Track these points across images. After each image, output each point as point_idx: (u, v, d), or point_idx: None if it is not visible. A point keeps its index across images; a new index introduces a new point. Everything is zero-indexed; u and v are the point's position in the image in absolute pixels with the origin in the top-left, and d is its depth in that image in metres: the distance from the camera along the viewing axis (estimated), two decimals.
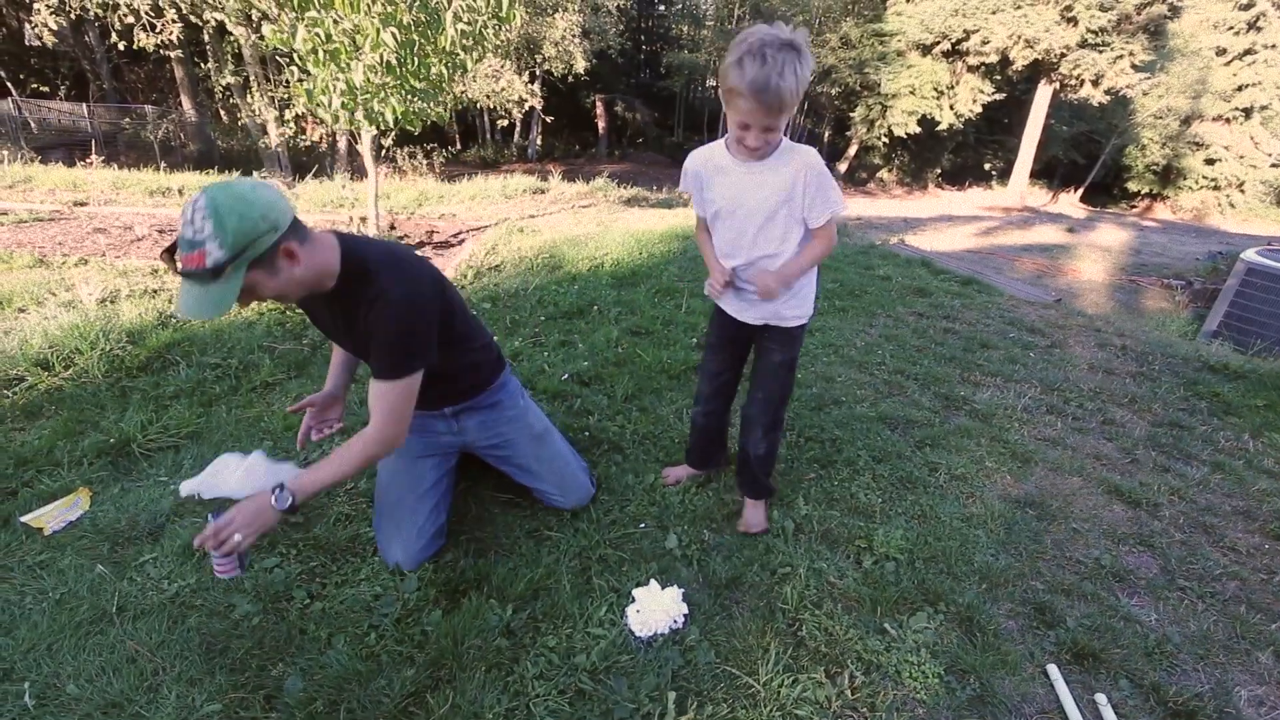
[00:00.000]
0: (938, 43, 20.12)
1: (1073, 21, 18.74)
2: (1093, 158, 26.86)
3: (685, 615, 1.58)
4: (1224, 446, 2.70)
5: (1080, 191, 26.98)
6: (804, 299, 1.75)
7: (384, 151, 11.67)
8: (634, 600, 1.60)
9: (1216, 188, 25.92)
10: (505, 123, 17.25)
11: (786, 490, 2.13)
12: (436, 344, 1.50)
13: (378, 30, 3.42)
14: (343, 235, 1.45)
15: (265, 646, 1.47)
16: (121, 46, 10.40)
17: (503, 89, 13.16)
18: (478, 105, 14.02)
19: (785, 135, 1.54)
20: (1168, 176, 26.66)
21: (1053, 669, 1.53)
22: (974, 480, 2.29)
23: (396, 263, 1.46)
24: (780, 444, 1.96)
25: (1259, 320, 5.37)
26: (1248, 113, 25.01)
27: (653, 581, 1.64)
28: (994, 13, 18.96)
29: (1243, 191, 25.46)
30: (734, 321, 1.82)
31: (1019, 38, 18.85)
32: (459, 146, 21.53)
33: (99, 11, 9.69)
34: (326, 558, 1.73)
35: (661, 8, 29.17)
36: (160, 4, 9.42)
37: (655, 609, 1.56)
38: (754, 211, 1.60)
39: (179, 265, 1.25)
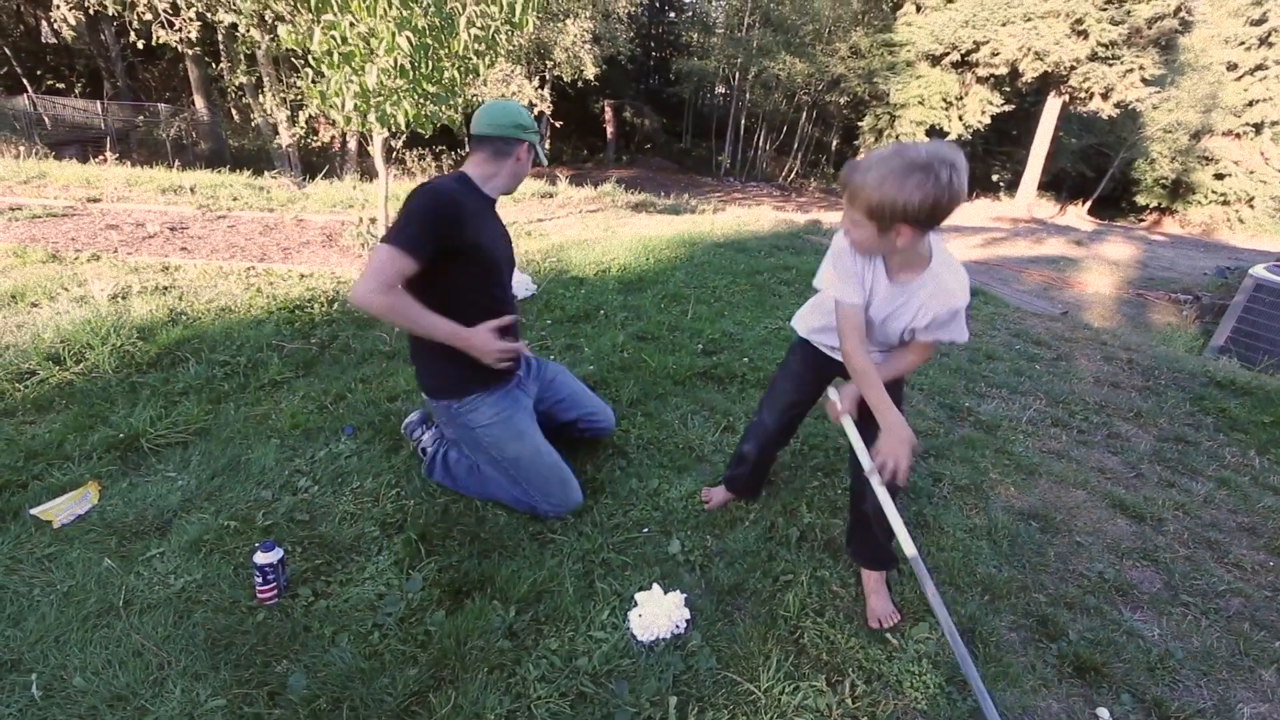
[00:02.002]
0: (947, 54, 20.16)
1: (1083, 35, 18.75)
2: (1101, 171, 26.82)
3: (687, 620, 1.59)
4: (1230, 462, 2.69)
5: (1088, 204, 26.93)
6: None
7: (394, 154, 11.73)
8: (636, 604, 1.61)
9: (1226, 202, 25.85)
10: None
11: (790, 498, 2.13)
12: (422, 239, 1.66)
13: (393, 34, 3.45)
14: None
15: (270, 643, 1.48)
16: (140, 45, 10.50)
17: (513, 93, 13.23)
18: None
19: (926, 250, 1.41)
20: (1177, 191, 26.59)
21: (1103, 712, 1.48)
22: (978, 491, 2.29)
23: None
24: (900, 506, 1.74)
25: (1267, 336, 5.35)
26: (1258, 128, 24.95)
27: (655, 586, 1.65)
28: (1004, 25, 19.00)
29: (1252, 207, 25.37)
30: (828, 359, 1.71)
31: (1029, 50, 18.88)
32: (468, 150, 21.64)
33: (118, 8, 9.80)
34: (331, 555, 1.74)
35: (672, 15, 29.30)
36: (178, 1, 9.52)
37: (657, 613, 1.56)
38: (894, 328, 1.51)
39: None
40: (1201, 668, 1.63)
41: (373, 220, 4.85)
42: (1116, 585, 1.88)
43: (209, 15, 10.04)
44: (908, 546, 1.41)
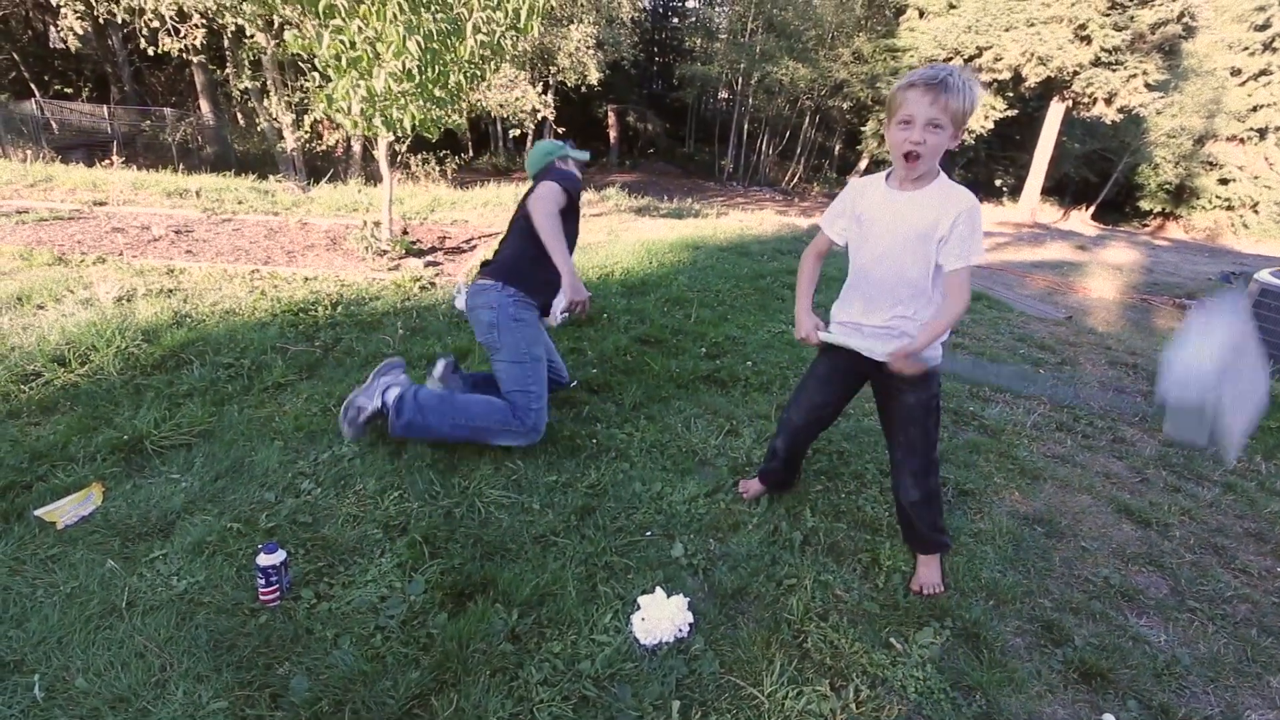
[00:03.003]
0: (950, 59, 20.16)
1: (1086, 40, 18.75)
2: (1105, 175, 26.80)
3: (690, 624, 1.58)
4: (1236, 468, 2.68)
5: (1092, 209, 26.90)
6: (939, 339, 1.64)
7: (398, 158, 11.79)
8: (639, 608, 1.60)
9: (1230, 207, 25.79)
10: (518, 132, 17.41)
11: (793, 502, 2.13)
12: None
13: (402, 39, 3.47)
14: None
15: (272, 645, 1.48)
16: (150, 52, 10.58)
17: (517, 98, 13.28)
18: (491, 114, 14.16)
19: (938, 169, 1.55)
20: (1181, 195, 26.55)
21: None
22: (982, 496, 2.28)
23: None
24: (939, 490, 1.78)
25: (1273, 342, 5.32)
26: (1262, 133, 24.91)
27: (658, 589, 1.64)
28: (1007, 30, 19.01)
29: (1257, 212, 25.30)
30: (850, 354, 1.72)
31: (1032, 55, 18.89)
32: (472, 154, 21.73)
33: (125, 16, 9.89)
34: (333, 557, 1.74)
35: (675, 20, 29.40)
36: (184, 9, 9.60)
37: (661, 617, 1.56)
38: (902, 236, 1.57)
39: None
40: (1209, 674, 1.61)
41: (376, 224, 4.87)
42: (1122, 590, 1.87)
43: (215, 21, 10.11)
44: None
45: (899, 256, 1.59)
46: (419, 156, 14.58)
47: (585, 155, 2.46)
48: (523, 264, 2.27)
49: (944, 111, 1.42)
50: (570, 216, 2.27)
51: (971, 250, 1.52)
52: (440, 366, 2.48)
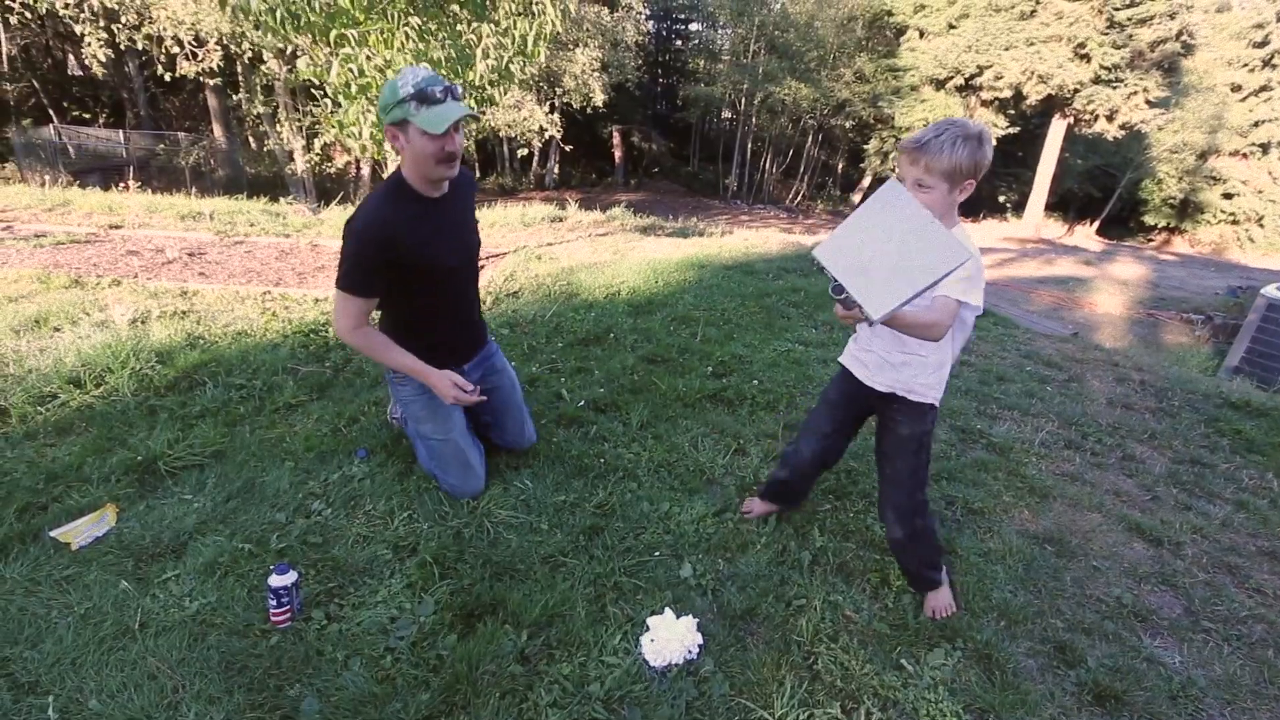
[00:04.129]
0: (951, 78, 20.40)
1: (1086, 58, 18.94)
2: (1108, 191, 26.86)
3: (700, 645, 1.58)
4: (1247, 485, 2.65)
5: (1096, 224, 26.92)
6: (938, 376, 1.66)
7: None
8: (648, 629, 1.60)
9: (1235, 222, 25.78)
10: (525, 152, 17.64)
11: (802, 521, 2.12)
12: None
13: (411, 65, 3.55)
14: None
15: (283, 666, 1.48)
16: (166, 78, 10.84)
17: (524, 119, 13.49)
18: (498, 134, 14.36)
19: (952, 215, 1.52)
20: (1185, 210, 26.56)
21: None
22: (991, 514, 2.27)
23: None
24: (930, 532, 1.75)
25: None
26: (1265, 148, 24.98)
27: (667, 610, 1.64)
28: (1007, 49, 19.23)
29: (1262, 226, 25.28)
30: (859, 384, 1.74)
31: (1032, 73, 19.07)
32: (478, 174, 22.01)
33: (146, 43, 10.16)
34: (344, 578, 1.75)
35: (679, 43, 29.87)
36: (201, 35, 9.86)
37: (670, 638, 1.56)
38: None
39: (445, 86, 1.69)
40: (1225, 696, 1.59)
41: None
42: (1135, 611, 1.85)
43: (230, 47, 10.36)
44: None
45: None
46: None
47: (437, 129, 1.66)
48: (384, 328, 2.05)
49: (927, 172, 1.46)
50: (404, 280, 1.85)
51: (965, 289, 1.46)
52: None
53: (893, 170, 24.21)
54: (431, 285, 1.93)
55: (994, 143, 1.50)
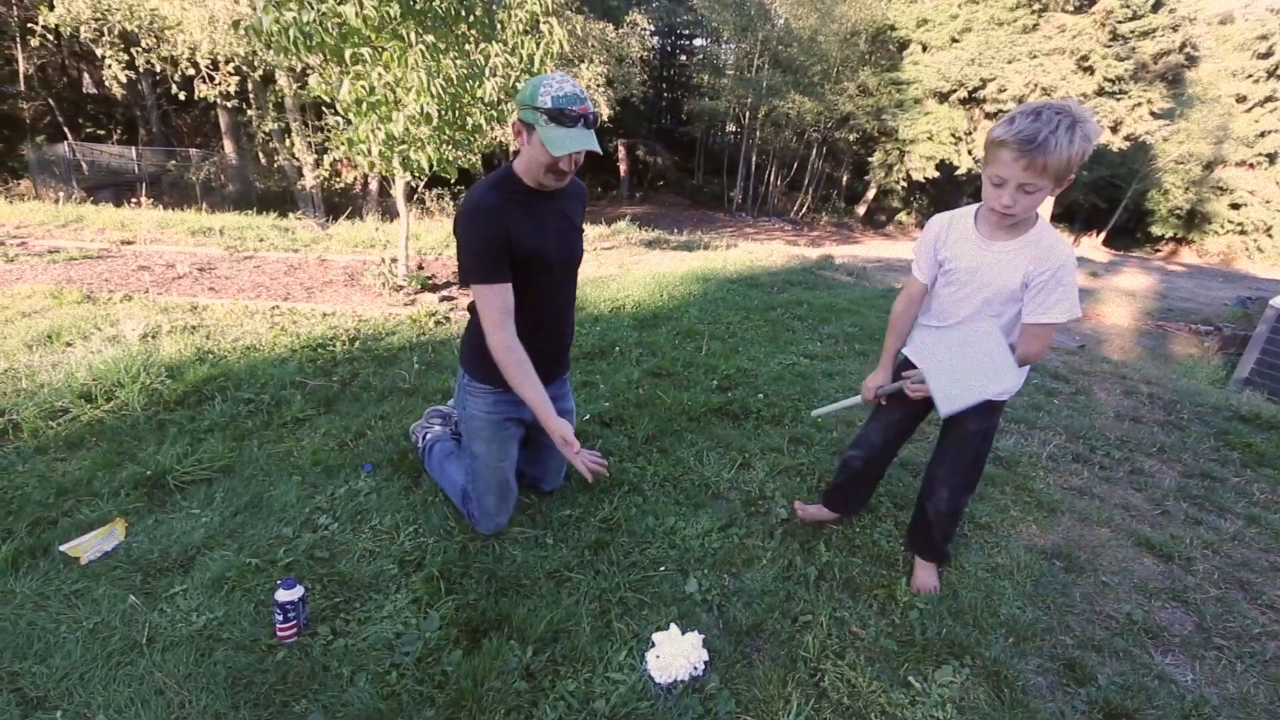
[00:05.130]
0: (954, 90, 20.50)
1: (1089, 71, 19.00)
2: (1114, 202, 26.83)
3: (706, 662, 1.57)
4: (1258, 499, 2.63)
5: (1103, 235, 26.86)
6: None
7: (414, 194, 12.10)
8: (654, 645, 1.60)
9: (1243, 232, 25.68)
10: None
11: (807, 535, 2.12)
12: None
13: (424, 84, 3.61)
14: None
15: (289, 682, 1.49)
16: (182, 96, 11.03)
17: None
18: (505, 149, 14.49)
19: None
20: (1192, 221, 26.50)
21: None
22: (999, 529, 2.25)
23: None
24: (964, 508, 1.86)
25: None
26: (1272, 158, 24.93)
27: (673, 626, 1.64)
28: (1010, 62, 19.32)
29: (1270, 236, 25.18)
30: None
31: (1035, 86, 19.14)
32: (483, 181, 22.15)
33: (164, 65, 10.36)
34: (350, 593, 1.76)
35: (683, 58, 30.18)
36: (217, 59, 10.04)
37: (675, 655, 1.55)
38: (988, 292, 1.53)
39: (581, 111, 1.61)
40: (1238, 715, 1.57)
41: (393, 260, 4.98)
42: (1146, 627, 1.83)
43: (246, 69, 10.54)
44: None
45: (984, 307, 1.57)
46: (434, 192, 14.92)
47: (558, 150, 1.62)
48: (472, 334, 1.93)
49: (1040, 174, 1.32)
50: (531, 291, 1.78)
51: (1055, 306, 1.45)
52: (423, 429, 2.42)
53: (898, 183, 24.07)
54: (535, 281, 1.81)
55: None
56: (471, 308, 1.84)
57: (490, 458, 1.93)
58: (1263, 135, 24.77)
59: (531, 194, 1.77)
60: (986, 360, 1.48)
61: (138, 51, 10.49)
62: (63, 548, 1.86)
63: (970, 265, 1.55)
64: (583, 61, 15.20)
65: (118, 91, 11.68)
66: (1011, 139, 1.31)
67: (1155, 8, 18.51)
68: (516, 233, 1.72)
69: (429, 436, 2.33)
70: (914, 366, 1.70)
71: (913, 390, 1.65)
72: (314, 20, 3.47)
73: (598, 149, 1.66)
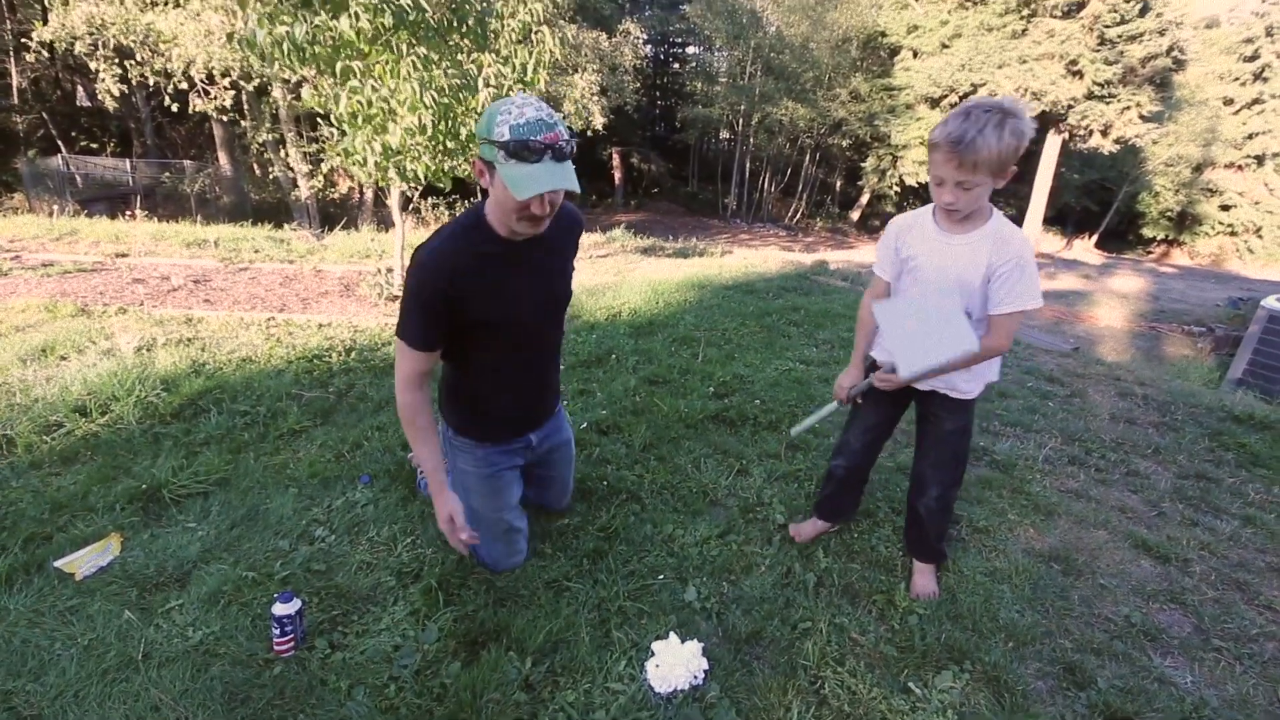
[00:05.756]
0: (945, 95, 20.63)
1: (1078, 75, 19.17)
2: (1106, 204, 27.02)
3: (705, 670, 1.57)
4: (1254, 500, 2.64)
5: (1095, 238, 27.03)
6: (979, 371, 1.68)
7: (409, 204, 12.13)
8: (653, 654, 1.59)
9: (1233, 233, 25.90)
10: None
11: (805, 543, 2.11)
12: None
13: (417, 95, 3.62)
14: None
15: (286, 697, 1.48)
16: (173, 109, 11.02)
17: None
18: None
19: (990, 209, 1.55)
20: (1183, 222, 26.71)
21: None
22: (996, 533, 2.26)
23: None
24: (953, 503, 1.88)
25: None
26: (1260, 160, 25.19)
27: (672, 635, 1.64)
28: (1000, 67, 19.48)
29: (1260, 237, 25.39)
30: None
31: (1025, 90, 19.29)
32: (481, 197, 22.20)
33: (158, 79, 10.35)
34: (348, 606, 1.75)
35: (676, 66, 30.33)
36: (213, 73, 10.05)
37: (675, 663, 1.55)
38: (948, 282, 1.58)
39: (547, 140, 1.33)
40: (1238, 716, 1.57)
41: (389, 270, 4.98)
42: (1145, 630, 1.84)
43: (241, 82, 10.55)
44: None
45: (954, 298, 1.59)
46: (429, 202, 14.93)
47: (522, 192, 1.35)
48: (446, 386, 1.80)
49: (973, 171, 1.39)
50: (465, 335, 1.57)
51: (1019, 295, 1.50)
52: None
53: (891, 188, 24.24)
54: (500, 343, 1.64)
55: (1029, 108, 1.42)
56: (444, 354, 1.66)
57: (488, 510, 1.82)
58: (1250, 137, 25.02)
59: (503, 246, 1.51)
60: (944, 326, 1.53)
61: (132, 65, 10.50)
62: (57, 563, 1.85)
63: (933, 260, 1.61)
64: (576, 70, 15.28)
65: (110, 104, 11.67)
66: (942, 140, 1.39)
67: (1142, 12, 18.71)
68: (472, 297, 1.49)
69: None
70: (880, 367, 1.75)
71: (881, 382, 1.69)
72: (307, 34, 3.48)
73: (574, 186, 1.35)
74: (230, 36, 3.65)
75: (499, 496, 1.84)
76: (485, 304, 1.52)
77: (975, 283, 1.54)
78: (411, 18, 3.66)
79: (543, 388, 1.85)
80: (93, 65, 10.68)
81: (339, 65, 3.65)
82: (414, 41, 3.75)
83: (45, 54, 13.03)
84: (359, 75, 3.70)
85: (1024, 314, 1.54)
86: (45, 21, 10.36)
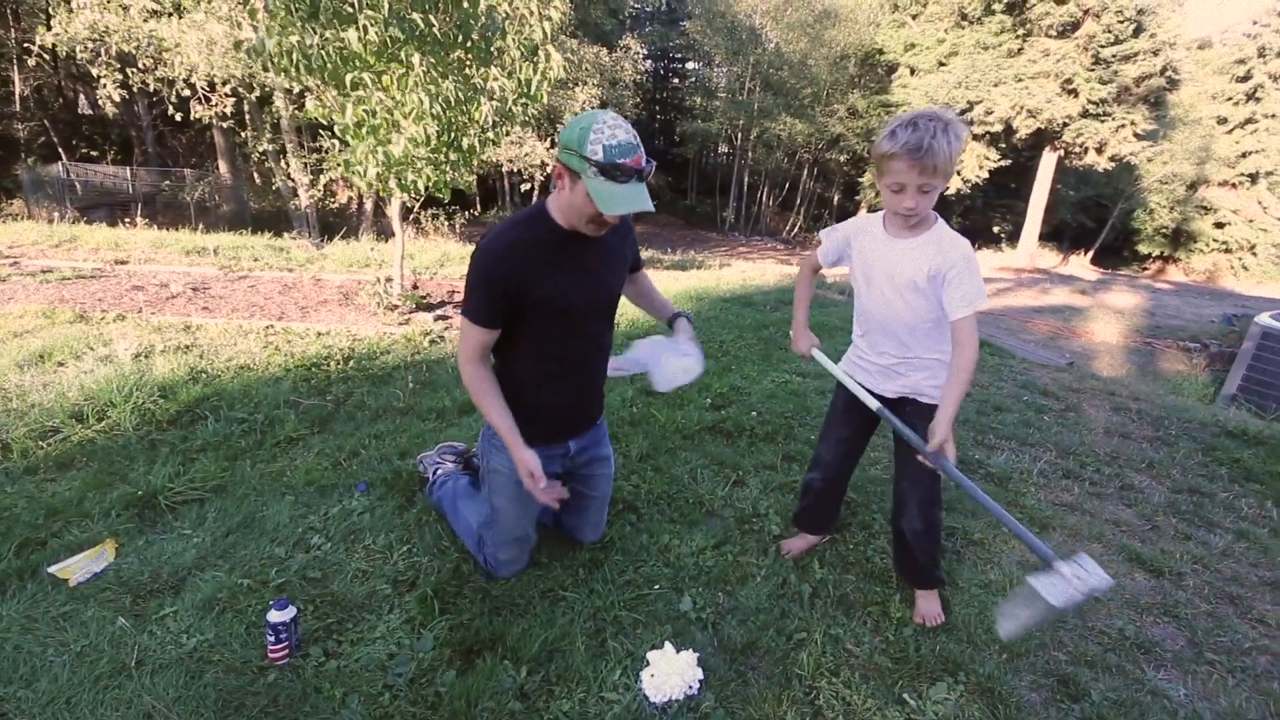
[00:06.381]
0: None
1: (1073, 93, 19.44)
2: (1101, 221, 27.27)
3: (701, 680, 1.57)
4: (1247, 514, 2.65)
5: (1090, 254, 27.24)
6: (942, 376, 1.69)
7: (410, 214, 12.20)
8: (648, 664, 1.59)
9: (1228, 250, 26.13)
10: (527, 186, 17.95)
11: (796, 558, 2.12)
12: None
13: (424, 106, 3.66)
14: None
15: (280, 704, 1.47)
16: (177, 117, 11.10)
17: (525, 154, 13.79)
18: (500, 169, 14.64)
19: (935, 213, 1.64)
20: (1178, 239, 26.95)
21: None
22: (991, 545, 2.26)
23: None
24: (940, 524, 1.86)
25: (1278, 384, 5.32)
26: (1253, 178, 25.46)
27: (667, 645, 1.63)
28: (996, 85, 19.74)
29: (1254, 254, 25.61)
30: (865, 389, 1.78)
31: (1021, 108, 19.54)
32: (480, 208, 22.35)
33: (160, 86, 10.43)
34: (343, 614, 1.75)
35: (675, 81, 30.66)
36: (214, 80, 10.12)
37: (670, 673, 1.55)
38: (898, 283, 1.65)
39: (635, 165, 1.44)
40: None
41: (388, 280, 5.00)
42: (1138, 643, 1.84)
43: (243, 91, 10.63)
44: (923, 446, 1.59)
45: (897, 302, 1.68)
46: (429, 212, 15.01)
47: (611, 208, 1.46)
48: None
49: (932, 175, 1.48)
50: (523, 318, 1.63)
51: (973, 295, 1.57)
52: (430, 462, 2.37)
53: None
54: (554, 329, 1.68)
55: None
56: (495, 348, 1.71)
57: (511, 514, 1.82)
58: (1244, 156, 25.32)
59: (565, 235, 1.60)
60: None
61: (133, 72, 10.58)
62: (51, 569, 1.84)
63: (878, 260, 1.69)
64: (577, 85, 15.43)
65: (111, 111, 11.75)
66: (900, 150, 1.47)
67: (1136, 32, 19.01)
68: (532, 279, 1.57)
69: (440, 472, 2.26)
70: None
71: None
72: (316, 45, 3.52)
73: (650, 208, 1.47)
74: (238, 45, 3.68)
75: (526, 504, 1.81)
76: (542, 283, 1.59)
77: (923, 282, 1.62)
78: (419, 31, 3.71)
79: (587, 389, 1.88)
80: (94, 71, 10.76)
81: (348, 76, 3.69)
82: (419, 54, 3.79)
83: (48, 61, 13.13)
84: (366, 86, 3.73)
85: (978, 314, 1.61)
86: (49, 26, 10.44)
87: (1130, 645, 1.83)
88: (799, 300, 1.97)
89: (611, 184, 1.43)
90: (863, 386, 1.77)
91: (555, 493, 1.70)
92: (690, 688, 1.54)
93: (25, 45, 11.18)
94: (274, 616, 1.54)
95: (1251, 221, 25.34)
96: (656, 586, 1.92)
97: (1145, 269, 28.06)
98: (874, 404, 1.71)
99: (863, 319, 1.81)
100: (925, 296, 1.63)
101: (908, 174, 1.49)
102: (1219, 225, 25.95)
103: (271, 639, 1.55)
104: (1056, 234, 27.88)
